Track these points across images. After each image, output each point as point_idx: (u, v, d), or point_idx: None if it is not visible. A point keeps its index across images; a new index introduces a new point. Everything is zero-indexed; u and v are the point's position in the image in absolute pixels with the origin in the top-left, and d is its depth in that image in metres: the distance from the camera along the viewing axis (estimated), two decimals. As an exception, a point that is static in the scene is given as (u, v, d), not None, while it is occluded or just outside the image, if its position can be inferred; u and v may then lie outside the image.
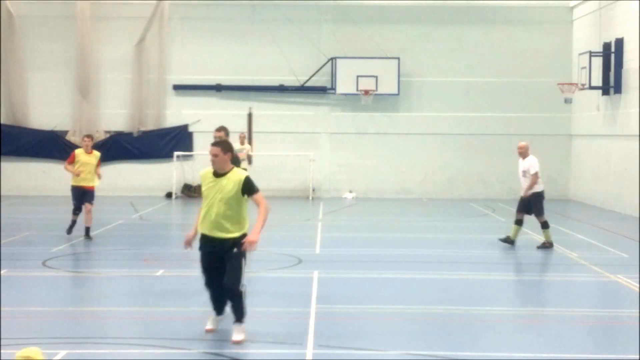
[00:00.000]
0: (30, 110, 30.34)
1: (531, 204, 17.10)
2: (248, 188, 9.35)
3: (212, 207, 9.30)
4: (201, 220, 9.41)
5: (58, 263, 14.93)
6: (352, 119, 30.48)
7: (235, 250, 9.27)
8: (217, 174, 9.47)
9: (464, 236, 19.46)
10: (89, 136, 18.56)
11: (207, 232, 9.35)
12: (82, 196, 17.91)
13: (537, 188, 17.12)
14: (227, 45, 30.28)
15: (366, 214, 24.76)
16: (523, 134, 30.19)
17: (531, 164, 17.00)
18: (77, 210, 18.00)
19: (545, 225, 17.05)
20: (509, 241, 17.27)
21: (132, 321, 10.72)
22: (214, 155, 9.46)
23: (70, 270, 14.35)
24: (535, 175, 16.93)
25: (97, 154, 18.32)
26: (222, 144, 9.58)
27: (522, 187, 17.25)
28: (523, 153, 17.17)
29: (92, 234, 18.06)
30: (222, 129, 13.44)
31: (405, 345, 9.46)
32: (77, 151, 18.25)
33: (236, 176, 9.39)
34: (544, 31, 30.25)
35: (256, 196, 9.37)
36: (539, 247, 16.98)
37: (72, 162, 17.95)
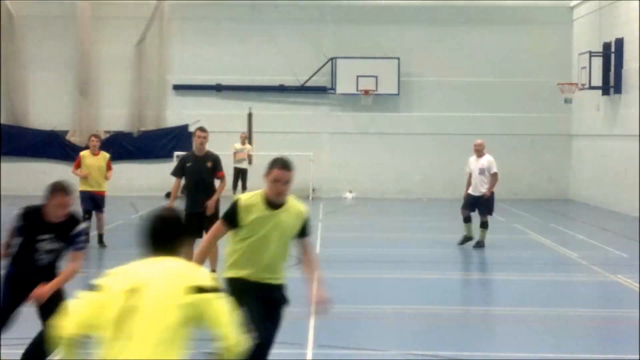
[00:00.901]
0: (30, 110, 30.33)
1: (483, 202, 16.88)
2: (309, 228, 7.07)
3: (266, 246, 6.83)
4: (239, 262, 6.92)
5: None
6: (352, 119, 30.47)
7: (285, 301, 7.25)
8: (274, 204, 6.81)
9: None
10: (96, 136, 17.15)
11: (254, 278, 6.92)
12: (91, 202, 16.61)
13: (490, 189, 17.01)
14: (227, 45, 30.27)
15: (366, 214, 24.76)
16: (523, 134, 30.23)
17: (491, 163, 16.89)
18: (86, 215, 16.24)
19: (485, 225, 16.89)
20: (467, 239, 16.95)
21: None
22: (285, 182, 6.74)
23: (70, 270, 14.31)
24: (496, 175, 16.91)
25: (105, 155, 16.86)
26: (291, 167, 6.83)
27: (473, 185, 16.93)
28: (480, 151, 16.98)
29: (90, 234, 18.04)
30: (206, 129, 13.15)
31: (405, 345, 9.46)
32: (83, 153, 16.86)
33: (296, 209, 6.90)
34: (544, 31, 30.23)
35: (309, 239, 7.20)
36: (475, 247, 16.78)
37: (79, 166, 16.65)
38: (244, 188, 27.78)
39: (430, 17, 30.33)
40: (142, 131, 30.37)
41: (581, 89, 26.61)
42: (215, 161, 12.78)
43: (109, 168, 16.96)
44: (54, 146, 30.11)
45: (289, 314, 9.44)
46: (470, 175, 17.07)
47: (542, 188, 30.28)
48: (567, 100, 27.20)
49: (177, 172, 12.86)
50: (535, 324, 10.65)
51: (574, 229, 20.74)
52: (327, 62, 30.03)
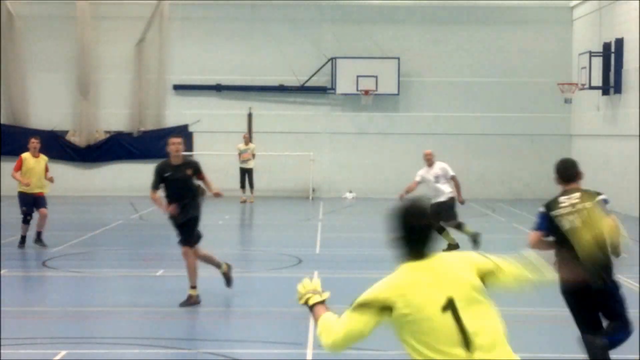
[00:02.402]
0: (30, 110, 30.33)
1: (445, 208, 16.74)
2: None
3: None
4: None
5: (58, 263, 14.93)
6: (352, 119, 30.47)
7: None
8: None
9: (464, 236, 19.44)
10: (36, 137, 17.15)
11: None
12: (32, 203, 16.76)
13: (450, 194, 16.92)
14: (227, 45, 30.27)
15: (366, 214, 24.75)
16: (523, 134, 30.23)
17: (445, 169, 16.83)
18: (27, 217, 16.62)
19: (441, 230, 16.79)
20: (453, 247, 16.79)
21: (132, 321, 10.71)
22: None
23: (70, 270, 14.34)
24: (455, 177, 16.91)
25: (44, 158, 17.03)
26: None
27: (434, 193, 16.81)
28: (430, 160, 16.98)
29: (90, 234, 18.04)
30: (180, 136, 12.48)
31: (405, 345, 9.45)
32: (24, 155, 16.80)
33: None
34: (544, 31, 30.23)
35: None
36: (445, 250, 16.65)
37: (20, 168, 16.71)
38: (251, 187, 27.89)
39: (430, 17, 30.33)
40: (142, 131, 30.36)
41: (581, 89, 26.61)
42: (195, 167, 12.16)
43: (46, 170, 16.98)
44: (54, 146, 30.05)
45: (289, 314, 9.46)
46: (414, 183, 16.98)
47: (542, 188, 30.19)
48: (567, 100, 27.20)
49: (157, 185, 12.00)
50: (535, 324, 10.65)
51: (574, 229, 20.70)
52: (327, 62, 30.03)
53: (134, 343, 9.45)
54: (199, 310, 10.83)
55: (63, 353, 8.84)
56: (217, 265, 12.31)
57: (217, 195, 12.58)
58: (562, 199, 7.76)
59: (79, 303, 11.45)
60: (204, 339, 9.54)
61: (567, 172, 7.85)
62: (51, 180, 17.06)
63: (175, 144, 11.94)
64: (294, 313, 10.93)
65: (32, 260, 15.31)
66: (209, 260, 12.29)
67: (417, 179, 16.94)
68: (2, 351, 8.73)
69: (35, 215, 16.84)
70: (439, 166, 16.87)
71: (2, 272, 13.64)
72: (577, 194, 7.64)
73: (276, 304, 11.54)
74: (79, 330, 10.06)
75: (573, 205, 7.63)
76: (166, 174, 11.92)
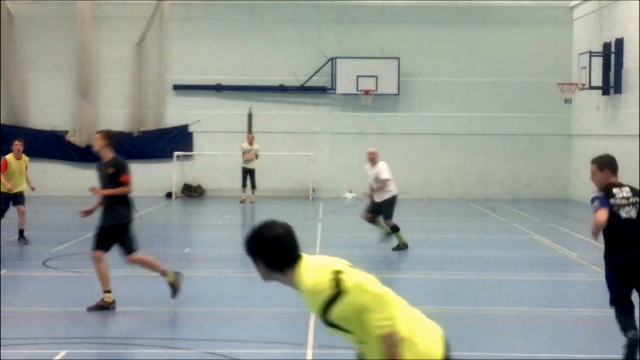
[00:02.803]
0: (30, 110, 30.33)
1: (382, 207, 16.91)
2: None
3: None
4: None
5: (58, 263, 14.93)
6: (352, 119, 30.47)
7: None
8: None
9: (464, 236, 19.46)
10: (20, 140, 17.49)
11: None
12: (10, 201, 17.13)
13: (392, 192, 17.00)
14: (227, 45, 30.27)
15: (366, 214, 24.71)
16: (523, 134, 30.23)
17: (378, 172, 16.96)
18: (2, 215, 17.01)
19: (395, 229, 16.89)
20: (401, 247, 16.87)
21: (132, 321, 10.71)
22: None
23: (70, 270, 14.34)
24: (384, 180, 17.00)
25: (26, 159, 17.45)
26: None
27: (373, 191, 17.02)
28: (373, 159, 17.14)
29: (90, 234, 18.01)
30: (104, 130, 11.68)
31: (405, 345, 9.44)
32: (8, 157, 17.21)
33: None
34: (544, 31, 30.23)
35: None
36: (394, 249, 16.76)
37: (5, 170, 17.02)
38: (253, 187, 27.91)
39: (430, 17, 30.33)
40: (142, 131, 30.36)
41: (581, 89, 26.61)
42: (117, 165, 11.15)
43: (26, 168, 17.54)
44: (54, 146, 30.11)
45: (289, 314, 9.48)
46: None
47: (542, 188, 30.29)
48: (567, 100, 27.20)
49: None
50: (535, 324, 10.65)
51: (574, 229, 20.73)
52: (327, 62, 30.03)
53: (134, 343, 9.45)
54: (199, 310, 10.82)
55: (63, 353, 8.84)
56: (162, 272, 11.41)
57: (86, 213, 11.39)
58: (614, 190, 8.60)
59: (79, 303, 11.44)
60: (204, 339, 9.54)
61: (616, 165, 8.83)
62: (30, 184, 17.68)
63: (95, 139, 11.28)
64: (294, 313, 10.92)
65: (32, 260, 15.31)
66: (149, 266, 11.48)
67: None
68: (2, 351, 8.73)
69: (14, 213, 17.18)
70: (378, 166, 17.03)
71: (2, 272, 13.64)
72: (627, 188, 8.65)
73: (276, 304, 11.53)
74: (79, 330, 10.06)
75: (627, 198, 8.54)
76: (97, 171, 11.36)
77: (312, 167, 29.66)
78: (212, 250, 16.92)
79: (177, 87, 30.46)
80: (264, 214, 25.54)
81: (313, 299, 4.58)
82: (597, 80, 26.14)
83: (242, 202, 27.44)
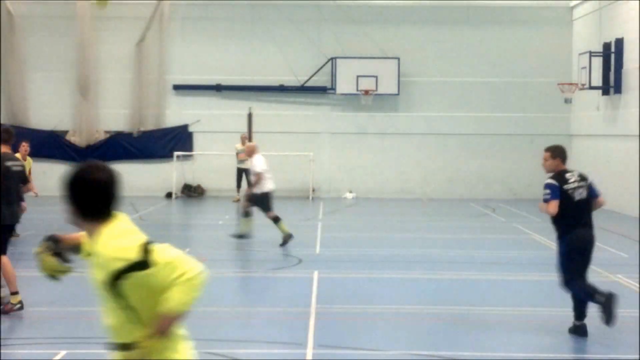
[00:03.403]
0: (30, 110, 30.33)
1: (259, 200, 17.15)
2: None
3: None
4: None
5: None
6: (352, 119, 30.47)
7: None
8: None
9: (464, 236, 19.46)
10: (27, 141, 17.39)
11: None
12: None
13: (265, 187, 17.14)
14: (227, 45, 30.27)
15: (366, 214, 24.75)
16: (523, 134, 30.23)
17: (255, 163, 17.20)
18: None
19: (276, 220, 16.97)
20: (244, 236, 17.15)
21: (132, 321, 10.69)
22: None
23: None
24: (258, 174, 17.08)
25: (30, 161, 17.37)
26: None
27: (250, 185, 17.50)
28: (249, 153, 17.59)
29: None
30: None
31: (405, 345, 9.46)
32: (17, 157, 17.52)
33: None
34: (544, 31, 30.23)
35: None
36: (281, 245, 16.78)
37: None
38: (249, 186, 27.89)
39: (430, 17, 30.34)
40: (142, 131, 30.36)
41: (581, 89, 26.61)
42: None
43: (29, 173, 17.54)
44: (54, 146, 30.09)
45: (289, 314, 9.47)
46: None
47: (542, 188, 30.26)
48: (567, 100, 27.19)
49: None
50: (535, 324, 10.65)
51: (574, 229, 20.71)
52: (327, 62, 30.03)
53: (134, 343, 9.43)
54: (199, 310, 10.81)
55: (63, 353, 8.84)
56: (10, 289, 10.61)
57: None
58: (567, 175, 9.81)
59: (79, 303, 11.45)
60: (204, 339, 9.54)
61: (566, 155, 10.03)
62: (35, 194, 17.34)
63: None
64: (294, 313, 10.93)
65: (32, 260, 15.28)
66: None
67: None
68: (2, 351, 8.73)
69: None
70: (254, 160, 17.35)
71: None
72: (576, 172, 9.96)
73: (276, 304, 11.53)
74: (79, 330, 10.05)
75: (578, 181, 9.83)
76: None
77: (312, 167, 29.66)
78: (212, 250, 16.91)
79: (177, 87, 30.46)
80: (263, 214, 25.49)
81: (110, 263, 4.14)
82: (597, 80, 26.14)
83: (236, 201, 27.43)
